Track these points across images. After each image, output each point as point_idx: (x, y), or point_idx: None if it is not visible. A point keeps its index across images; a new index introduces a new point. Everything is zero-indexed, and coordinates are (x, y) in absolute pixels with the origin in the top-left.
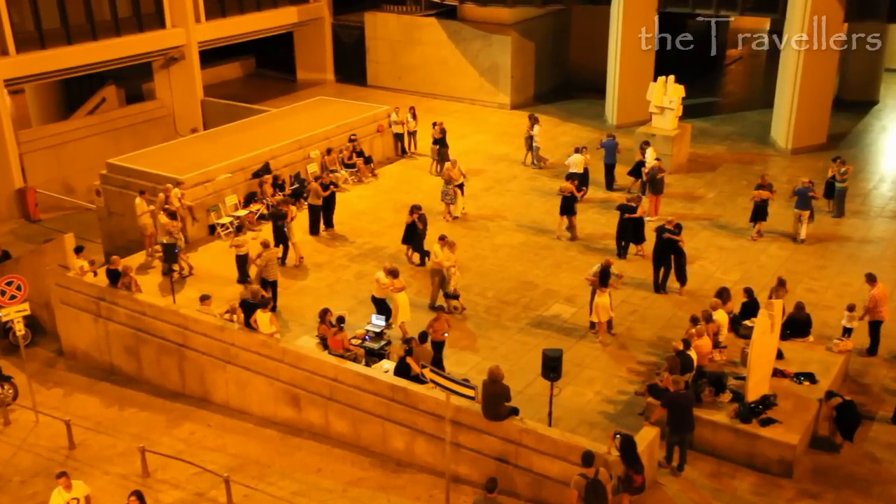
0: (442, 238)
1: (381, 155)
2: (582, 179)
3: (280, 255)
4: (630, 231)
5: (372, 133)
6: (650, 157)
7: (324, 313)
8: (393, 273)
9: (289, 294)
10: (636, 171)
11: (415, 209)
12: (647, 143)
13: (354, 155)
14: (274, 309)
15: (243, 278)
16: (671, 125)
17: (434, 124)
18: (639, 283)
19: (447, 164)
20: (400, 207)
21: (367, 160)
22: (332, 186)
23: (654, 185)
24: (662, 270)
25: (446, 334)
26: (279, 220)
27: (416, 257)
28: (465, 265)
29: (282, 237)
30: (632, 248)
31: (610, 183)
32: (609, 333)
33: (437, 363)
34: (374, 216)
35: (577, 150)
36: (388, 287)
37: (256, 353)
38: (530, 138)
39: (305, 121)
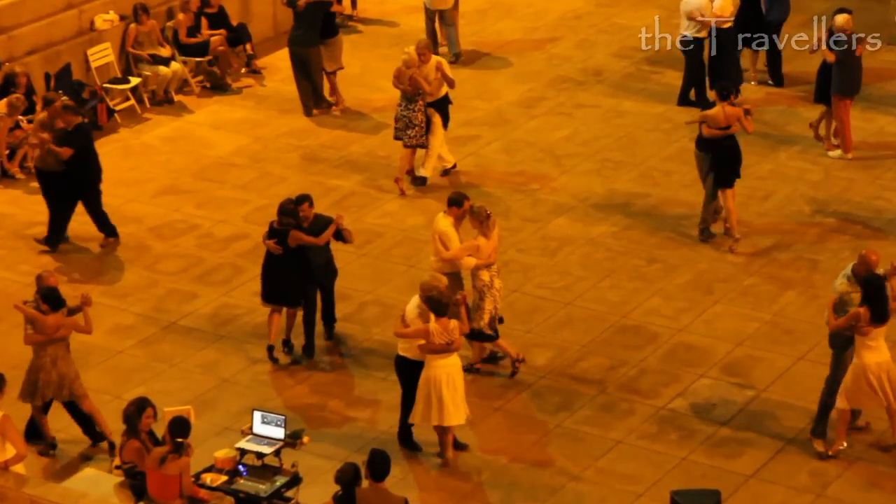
0: (456, 202)
1: (272, 24)
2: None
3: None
4: None
5: None
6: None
7: (138, 411)
8: (435, 304)
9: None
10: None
11: (286, 213)
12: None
13: (206, 22)
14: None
15: None
16: None
17: None
18: None
19: (407, 51)
20: (314, 159)
21: (237, 35)
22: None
23: (843, 72)
24: None
25: None
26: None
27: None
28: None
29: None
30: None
31: (776, 75)
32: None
33: None
34: (252, 176)
35: None
36: (421, 336)
37: None
38: None
39: None
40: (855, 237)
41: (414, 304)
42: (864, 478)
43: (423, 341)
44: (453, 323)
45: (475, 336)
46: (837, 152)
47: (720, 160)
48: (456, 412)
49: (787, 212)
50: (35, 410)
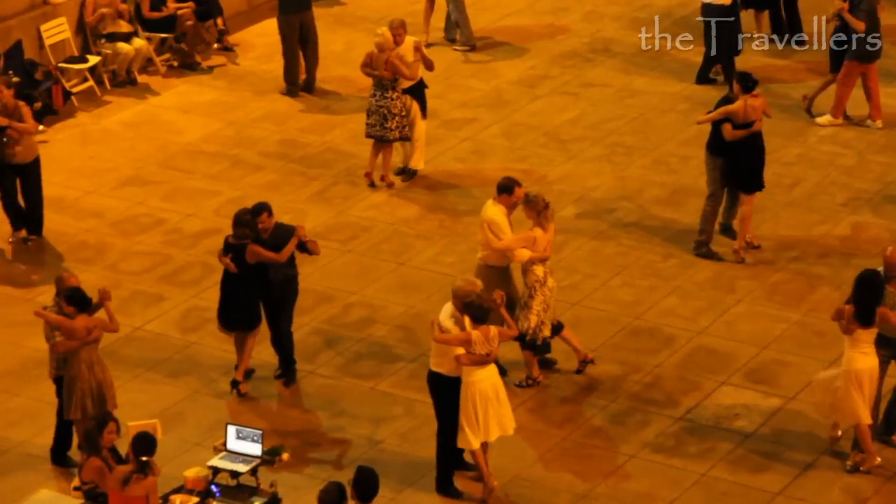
0: (507, 189)
1: None
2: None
3: None
4: None
5: None
6: None
7: (98, 426)
8: (476, 310)
9: None
10: None
11: (242, 224)
12: None
13: None
14: None
15: None
16: None
17: None
18: None
19: (380, 33)
20: (293, 146)
21: (207, 8)
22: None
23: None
24: None
25: None
26: None
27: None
28: None
29: None
30: None
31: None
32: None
33: None
34: (224, 165)
35: None
36: (462, 343)
37: None
38: None
39: None
40: (894, 229)
41: (447, 313)
42: None
43: (461, 350)
44: (494, 330)
45: (524, 343)
46: (826, 117)
47: (743, 162)
48: (511, 419)
49: (818, 201)
50: (80, 427)
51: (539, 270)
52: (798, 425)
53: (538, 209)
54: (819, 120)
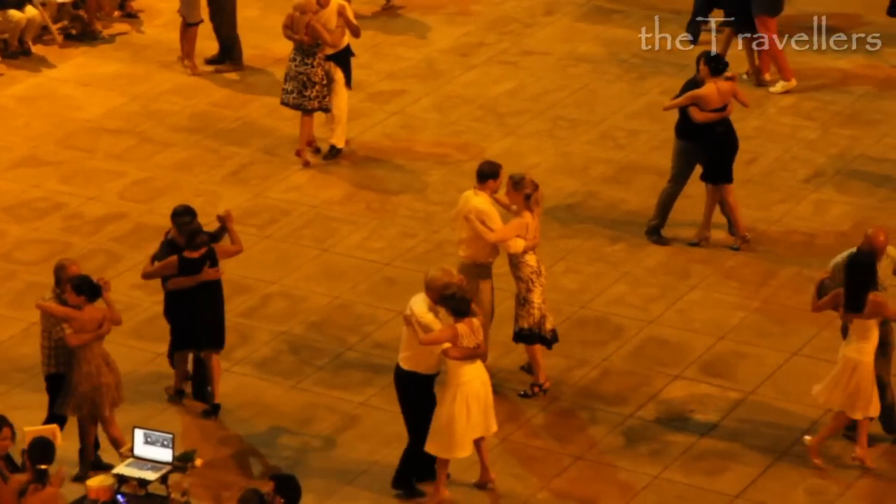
0: (492, 175)
1: None
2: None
3: None
4: None
5: None
6: None
7: None
8: (457, 303)
9: None
10: None
11: (198, 233)
12: None
13: None
14: None
15: None
16: None
17: None
18: None
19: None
20: (205, 122)
21: None
22: None
23: None
24: None
25: None
26: None
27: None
28: (385, 294)
29: None
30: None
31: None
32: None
33: None
34: (129, 143)
35: None
36: (449, 339)
37: None
38: None
39: None
40: (859, 207)
41: (423, 306)
42: (869, 496)
43: (447, 345)
44: (477, 321)
45: (525, 338)
46: (780, 85)
47: (715, 150)
48: (493, 420)
49: (778, 177)
50: (86, 423)
51: (532, 260)
52: (758, 422)
53: (527, 191)
54: (773, 89)
